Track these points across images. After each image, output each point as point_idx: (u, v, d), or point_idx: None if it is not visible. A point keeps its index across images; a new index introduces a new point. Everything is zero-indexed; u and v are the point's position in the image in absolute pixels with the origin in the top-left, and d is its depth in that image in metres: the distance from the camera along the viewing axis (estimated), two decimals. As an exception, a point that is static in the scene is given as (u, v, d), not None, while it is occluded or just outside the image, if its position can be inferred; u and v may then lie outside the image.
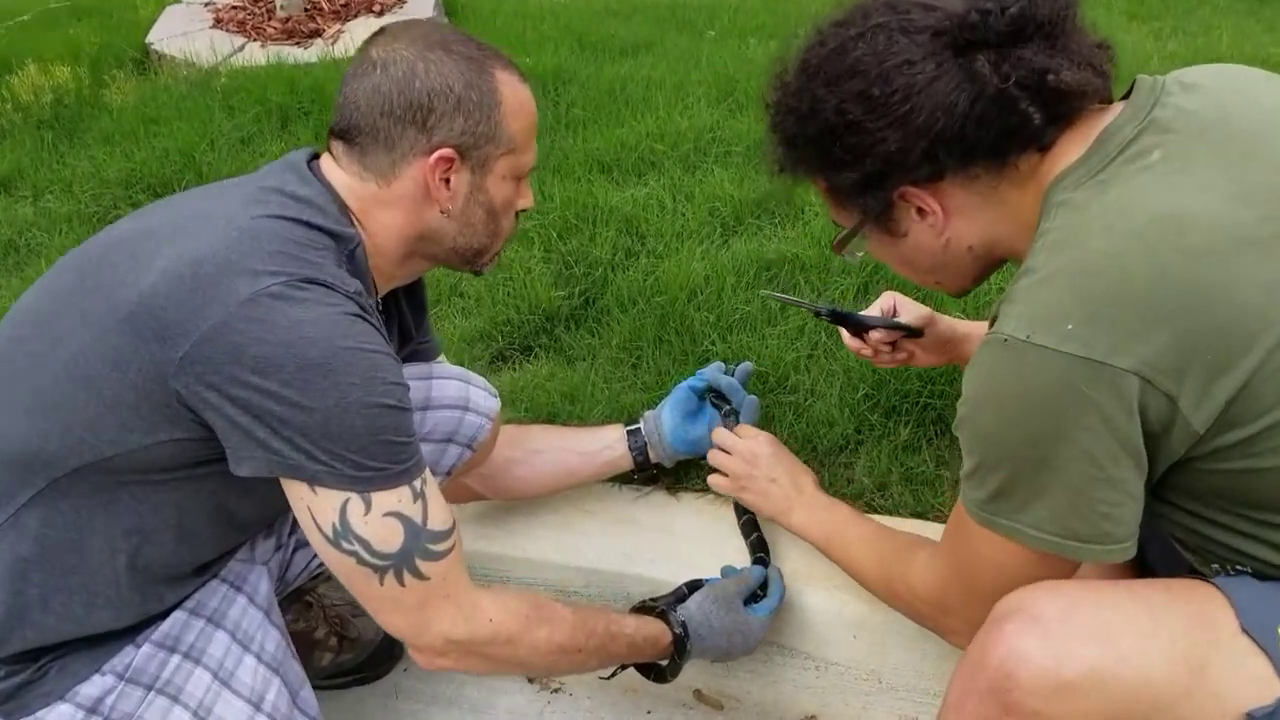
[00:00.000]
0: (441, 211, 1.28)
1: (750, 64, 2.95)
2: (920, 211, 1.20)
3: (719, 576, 1.58)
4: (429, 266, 1.40)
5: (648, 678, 1.51)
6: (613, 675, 1.52)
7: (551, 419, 1.93)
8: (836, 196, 1.25)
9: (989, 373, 1.06)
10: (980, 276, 1.29)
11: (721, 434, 1.68)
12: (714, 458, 1.68)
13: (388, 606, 1.21)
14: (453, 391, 1.54)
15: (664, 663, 1.49)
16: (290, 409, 1.09)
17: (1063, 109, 1.10)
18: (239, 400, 1.08)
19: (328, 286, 1.14)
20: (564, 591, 1.74)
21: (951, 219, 1.19)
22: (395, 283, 1.37)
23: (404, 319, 1.52)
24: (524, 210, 1.39)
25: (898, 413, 1.85)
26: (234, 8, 4.60)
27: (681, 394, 1.76)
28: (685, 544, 1.72)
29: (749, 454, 1.64)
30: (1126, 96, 1.13)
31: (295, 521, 1.40)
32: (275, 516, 1.39)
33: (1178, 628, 1.01)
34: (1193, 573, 1.15)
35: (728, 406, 1.73)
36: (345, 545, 1.15)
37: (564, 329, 2.21)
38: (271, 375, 1.08)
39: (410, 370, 1.51)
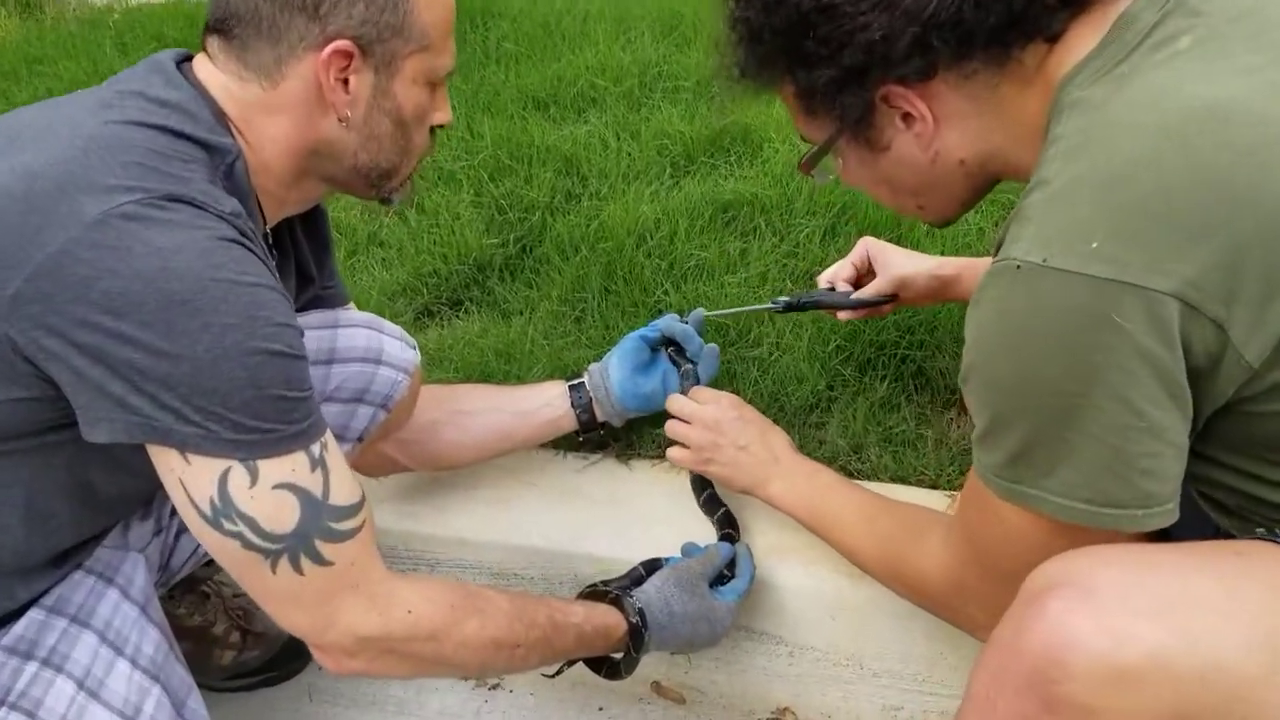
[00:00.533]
0: (339, 120, 1.07)
1: (697, -4, 2.73)
2: (906, 118, 1.02)
3: (680, 555, 1.38)
4: (327, 191, 1.17)
5: (599, 674, 1.31)
6: (559, 673, 1.31)
7: (485, 380, 1.71)
8: (807, 103, 1.06)
9: (999, 308, 0.88)
10: (970, 200, 1.11)
11: (677, 400, 1.47)
12: (671, 429, 1.46)
13: (283, 599, 1.00)
14: (362, 342, 1.31)
15: (618, 656, 1.28)
16: (152, 357, 0.88)
17: None
18: (87, 348, 0.87)
19: (197, 206, 0.93)
20: (503, 575, 1.53)
21: (942, 127, 1.01)
22: (287, 210, 1.14)
23: (301, 256, 1.29)
24: (440, 126, 1.17)
25: (873, 366, 1.66)
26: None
27: (631, 343, 1.55)
28: (640, 518, 1.52)
29: (711, 421, 1.43)
30: None
31: None
32: (149, 493, 1.15)
33: (1258, 602, 0.82)
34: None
35: (687, 366, 1.52)
36: (227, 525, 0.95)
37: (498, 280, 1.98)
38: (127, 315, 0.87)
39: (309, 319, 1.28)
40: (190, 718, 1.14)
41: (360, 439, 1.34)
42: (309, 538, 0.98)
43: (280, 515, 0.96)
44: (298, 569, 0.98)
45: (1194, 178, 0.81)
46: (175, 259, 0.89)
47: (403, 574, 1.10)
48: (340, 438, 1.32)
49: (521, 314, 1.88)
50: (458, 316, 1.95)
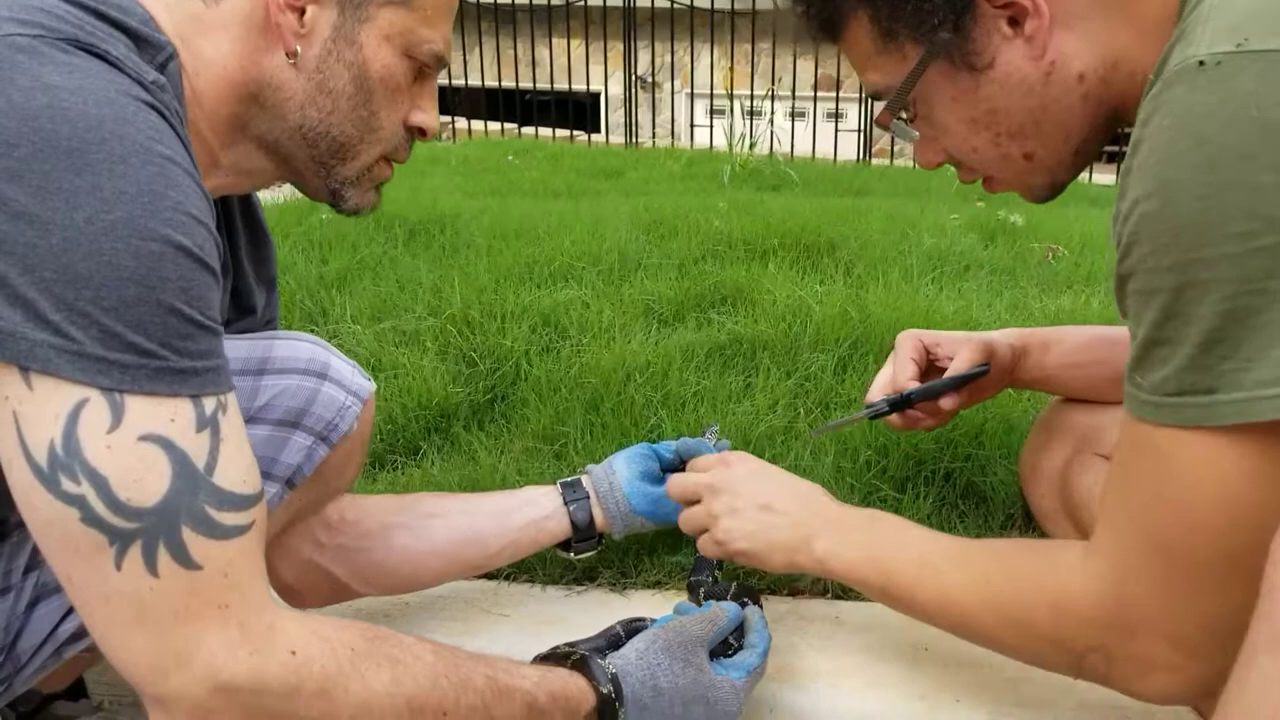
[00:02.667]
0: (287, 55, 0.88)
1: (675, 199, 2.67)
2: (1013, 23, 0.85)
3: (672, 615, 1.05)
4: (266, 167, 0.95)
5: None
6: None
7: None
8: (885, 26, 0.89)
9: (1177, 123, 0.67)
10: (1083, 147, 0.91)
11: (676, 479, 1.16)
12: (684, 519, 1.15)
13: (121, 610, 0.70)
14: (305, 354, 1.04)
15: None
16: (11, 220, 0.65)
17: None
18: None
19: (110, 62, 0.73)
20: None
21: (1057, 29, 0.84)
22: (218, 179, 0.93)
23: (243, 282, 1.06)
24: (420, 130, 0.97)
25: (913, 483, 1.40)
26: None
27: (640, 449, 1.27)
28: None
29: (722, 483, 1.11)
30: None
31: (34, 546, 0.88)
32: None
33: None
34: None
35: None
36: (66, 484, 0.67)
37: (463, 428, 1.72)
38: None
39: (241, 336, 1.03)
40: None
41: (290, 482, 1.03)
42: (175, 522, 0.69)
43: (144, 480, 0.69)
44: (152, 567, 0.69)
45: None
46: (69, 99, 0.68)
47: (290, 607, 0.78)
48: (265, 475, 1.02)
49: (492, 455, 1.61)
50: (414, 464, 1.67)
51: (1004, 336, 1.28)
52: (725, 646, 1.02)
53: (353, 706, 0.77)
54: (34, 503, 0.68)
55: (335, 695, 0.76)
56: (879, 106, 0.95)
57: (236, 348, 1.00)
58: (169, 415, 0.69)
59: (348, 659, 0.77)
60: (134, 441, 0.68)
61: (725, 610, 1.04)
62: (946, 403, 1.23)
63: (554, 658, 0.96)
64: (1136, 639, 0.76)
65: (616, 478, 1.22)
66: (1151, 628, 0.75)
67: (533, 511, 1.22)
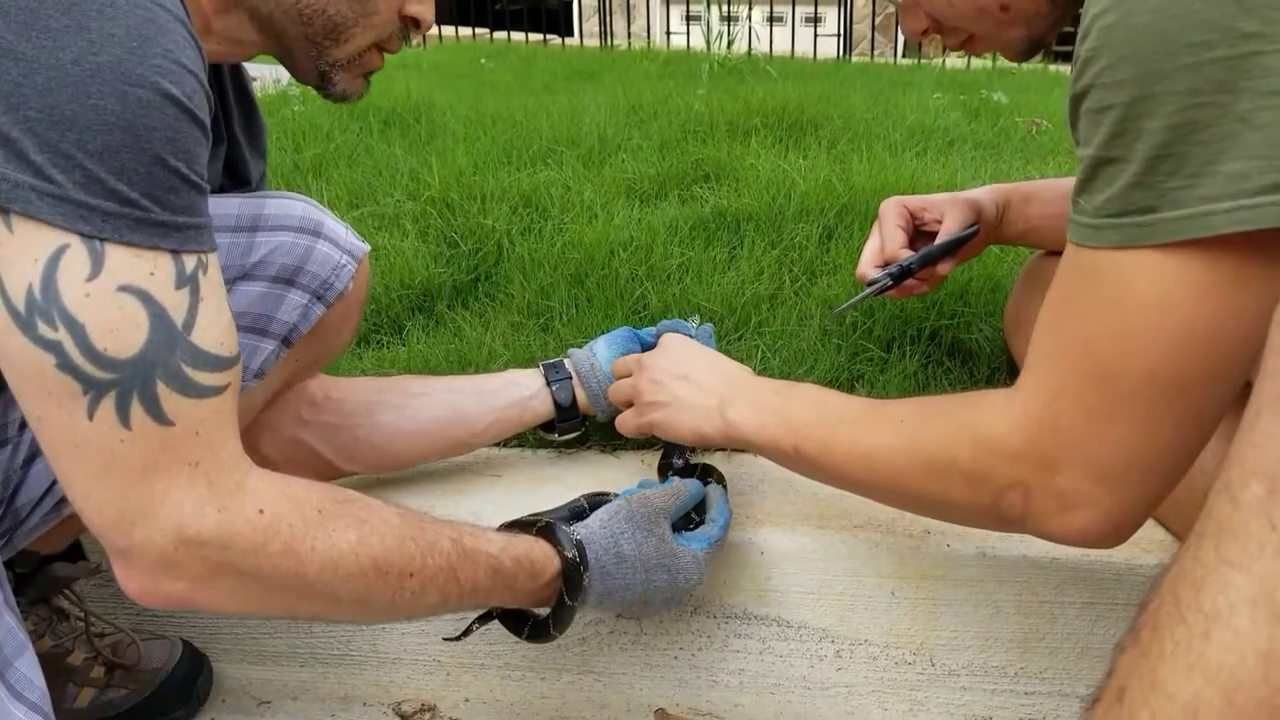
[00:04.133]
0: None
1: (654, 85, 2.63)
2: None
3: (636, 489, 1.06)
4: (255, 39, 0.92)
5: (520, 635, 0.97)
6: (464, 634, 0.99)
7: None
8: None
9: None
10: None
11: (620, 359, 1.18)
12: (614, 391, 1.16)
13: (90, 460, 0.70)
14: (298, 211, 1.03)
15: (543, 612, 0.96)
16: None
17: None
18: None
19: None
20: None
21: None
22: (210, 44, 0.90)
23: (236, 152, 1.05)
24: (415, 20, 0.94)
25: (899, 343, 1.40)
26: None
27: (623, 332, 1.26)
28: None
29: (649, 361, 1.11)
30: None
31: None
32: None
33: None
34: None
35: None
36: (43, 329, 0.66)
37: (447, 307, 1.71)
38: None
39: (232, 195, 1.02)
40: (17, 684, 0.78)
41: (286, 341, 1.03)
42: (150, 376, 0.69)
43: (121, 330, 0.67)
44: (124, 418, 0.68)
45: None
46: None
47: (260, 469, 0.78)
48: (262, 332, 1.01)
49: (477, 330, 1.60)
50: (400, 342, 1.66)
51: (988, 193, 1.28)
52: (687, 521, 1.04)
53: (319, 564, 0.77)
54: (9, 345, 0.67)
55: (301, 553, 0.76)
56: None
57: (228, 204, 0.99)
58: (148, 269, 0.68)
59: (315, 519, 0.78)
60: (113, 291, 0.67)
61: (687, 486, 1.05)
62: (943, 268, 1.23)
63: (519, 525, 0.97)
64: (1059, 471, 0.74)
65: (597, 360, 1.22)
66: (1075, 459, 0.73)
67: (517, 391, 1.22)
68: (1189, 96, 0.63)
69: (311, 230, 1.02)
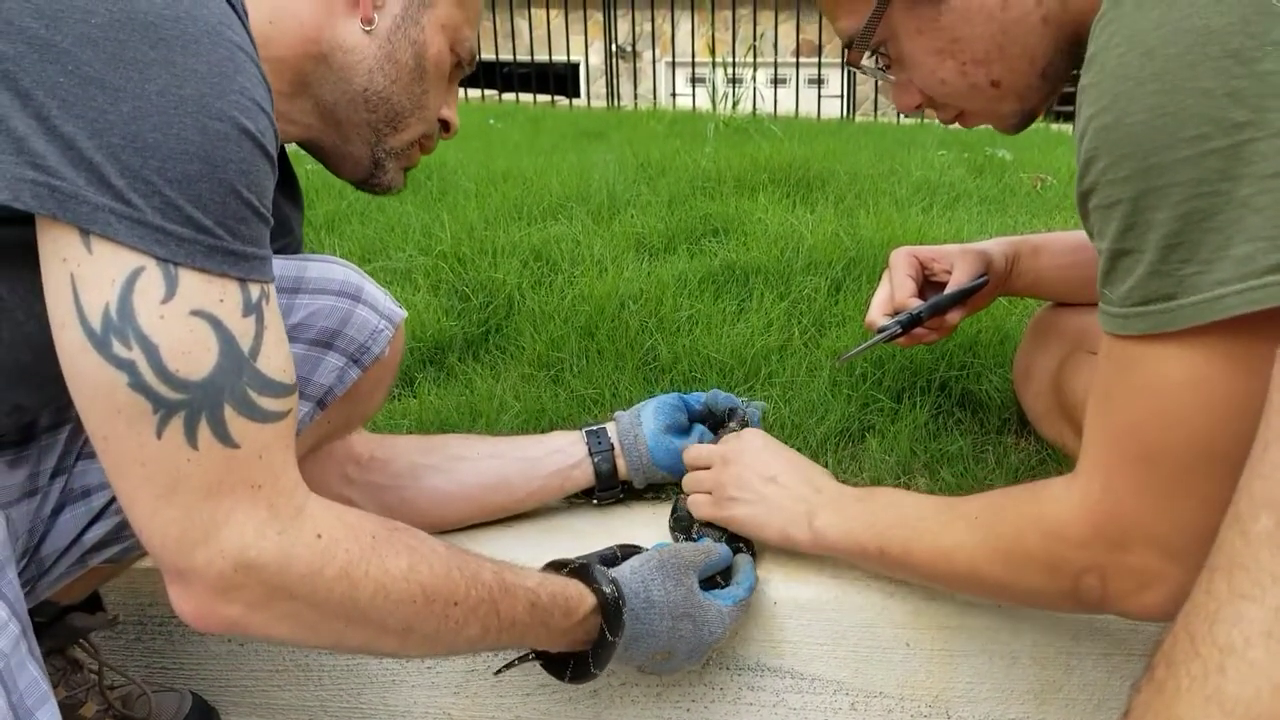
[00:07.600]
0: (364, 22, 0.93)
1: (662, 143, 2.66)
2: None
3: (667, 543, 1.08)
4: (313, 124, 0.98)
5: (562, 678, 0.98)
6: (507, 667, 1.00)
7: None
8: None
9: (1125, 37, 0.69)
10: (1050, 72, 0.92)
11: (693, 448, 1.21)
12: (689, 480, 1.19)
13: (156, 480, 0.70)
14: (339, 275, 1.05)
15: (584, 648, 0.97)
16: (85, 85, 0.65)
17: None
18: None
19: None
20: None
21: None
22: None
23: (281, 213, 1.07)
24: (446, 123, 1.04)
25: (909, 394, 1.41)
26: None
27: (670, 400, 1.28)
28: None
29: (732, 453, 1.15)
30: None
31: (65, 447, 0.88)
32: (21, 375, 0.82)
33: None
34: None
35: (732, 425, 1.25)
36: (118, 348, 0.67)
37: (459, 359, 1.72)
38: (65, 23, 0.65)
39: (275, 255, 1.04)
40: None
41: (322, 403, 1.05)
42: (219, 399, 0.70)
43: (192, 353, 0.69)
44: (192, 439, 0.69)
45: None
46: None
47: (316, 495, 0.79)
48: (299, 394, 1.02)
49: (489, 382, 1.61)
50: (411, 394, 1.67)
51: (997, 245, 1.29)
52: (712, 583, 1.05)
53: (371, 589, 0.78)
54: (82, 366, 0.68)
55: (356, 578, 0.77)
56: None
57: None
58: (219, 295, 0.70)
59: (369, 544, 0.79)
60: (185, 314, 0.68)
61: (718, 548, 1.07)
62: (953, 317, 1.25)
63: (553, 566, 0.99)
64: (1129, 551, 0.77)
65: (641, 430, 1.24)
66: (1142, 537, 0.76)
67: (560, 460, 1.24)
68: (1194, 186, 0.66)
69: (351, 295, 1.04)
